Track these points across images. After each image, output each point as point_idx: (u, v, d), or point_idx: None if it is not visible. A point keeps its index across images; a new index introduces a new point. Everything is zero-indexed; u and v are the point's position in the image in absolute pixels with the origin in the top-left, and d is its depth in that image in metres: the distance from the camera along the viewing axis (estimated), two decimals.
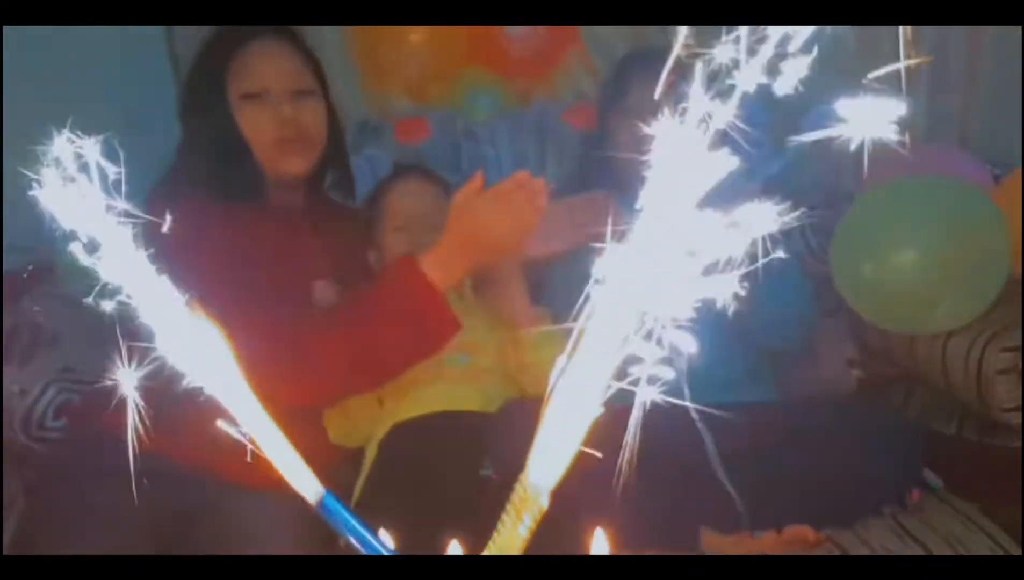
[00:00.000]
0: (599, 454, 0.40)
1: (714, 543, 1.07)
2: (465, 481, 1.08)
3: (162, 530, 1.08)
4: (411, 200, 1.31)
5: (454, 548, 0.44)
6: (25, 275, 1.63)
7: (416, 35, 1.77)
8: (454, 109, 1.78)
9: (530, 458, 0.39)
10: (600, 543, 0.42)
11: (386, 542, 0.47)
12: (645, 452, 0.39)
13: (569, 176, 1.53)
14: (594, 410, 0.39)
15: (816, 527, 1.05)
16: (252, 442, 0.45)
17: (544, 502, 0.39)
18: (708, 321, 0.38)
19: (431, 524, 0.69)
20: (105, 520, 1.04)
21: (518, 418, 1.03)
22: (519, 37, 1.77)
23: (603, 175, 1.37)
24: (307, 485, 0.46)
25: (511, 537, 0.39)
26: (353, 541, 0.46)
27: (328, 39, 1.81)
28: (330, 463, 1.15)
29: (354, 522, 0.46)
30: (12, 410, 1.41)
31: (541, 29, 1.76)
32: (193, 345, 0.44)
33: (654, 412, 0.38)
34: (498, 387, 1.21)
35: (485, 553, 0.40)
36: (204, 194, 1.13)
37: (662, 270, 0.37)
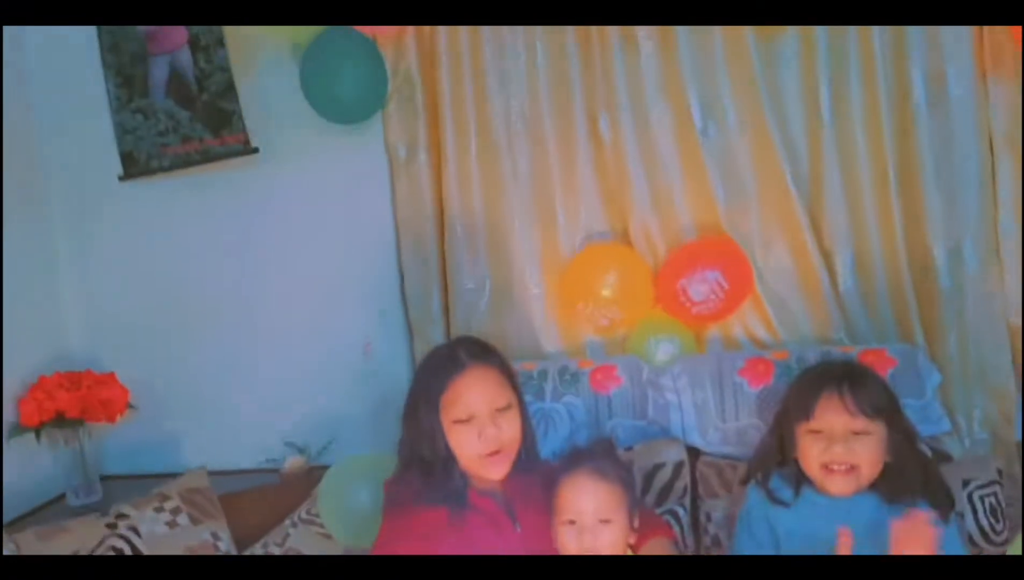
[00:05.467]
0: None
1: None
2: None
3: None
4: (584, 495, 1.40)
5: None
6: None
7: (607, 290, 2.02)
8: (639, 356, 2.00)
9: None
10: None
11: None
12: None
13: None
14: None
15: None
16: None
17: None
18: None
19: None
20: None
21: None
22: (701, 298, 1.96)
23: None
24: None
25: None
26: None
27: (532, 293, 2.12)
28: None
29: None
30: None
31: (719, 287, 1.95)
32: None
33: None
34: None
35: None
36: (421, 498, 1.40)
37: None
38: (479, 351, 1.49)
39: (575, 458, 1.47)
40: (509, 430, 1.45)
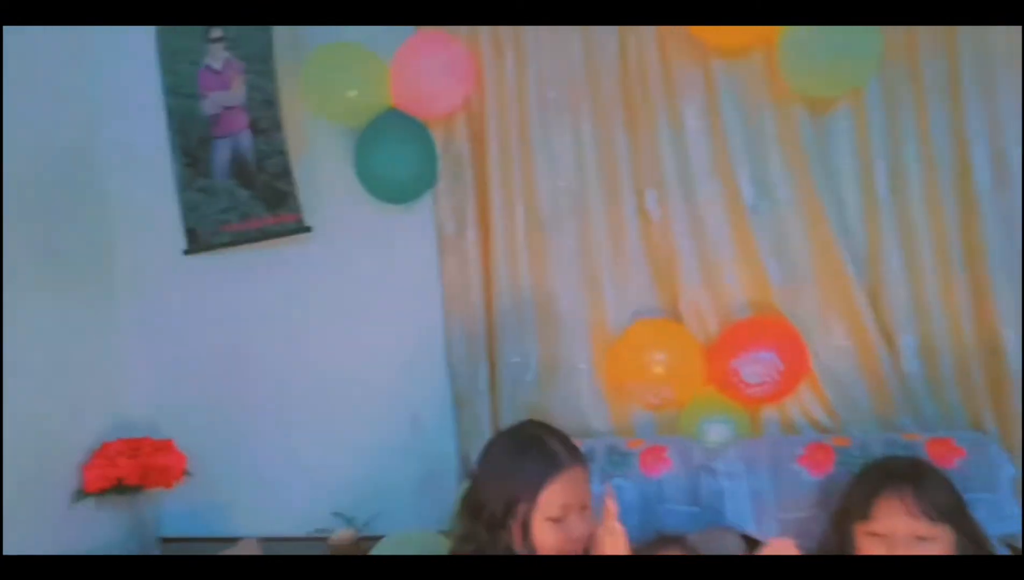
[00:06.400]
0: None
1: None
2: None
3: None
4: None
5: None
6: None
7: (657, 368, 1.99)
8: (691, 437, 1.95)
9: None
10: None
11: None
12: None
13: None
14: None
15: None
16: None
17: None
18: None
19: None
20: None
21: None
22: (756, 381, 1.91)
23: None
24: None
25: None
26: None
27: (580, 369, 2.10)
28: None
29: None
30: None
31: (774, 369, 1.89)
32: None
33: None
34: None
35: None
36: None
37: None
38: (574, 450, 1.50)
39: (661, 542, 1.50)
40: (588, 529, 1.45)
